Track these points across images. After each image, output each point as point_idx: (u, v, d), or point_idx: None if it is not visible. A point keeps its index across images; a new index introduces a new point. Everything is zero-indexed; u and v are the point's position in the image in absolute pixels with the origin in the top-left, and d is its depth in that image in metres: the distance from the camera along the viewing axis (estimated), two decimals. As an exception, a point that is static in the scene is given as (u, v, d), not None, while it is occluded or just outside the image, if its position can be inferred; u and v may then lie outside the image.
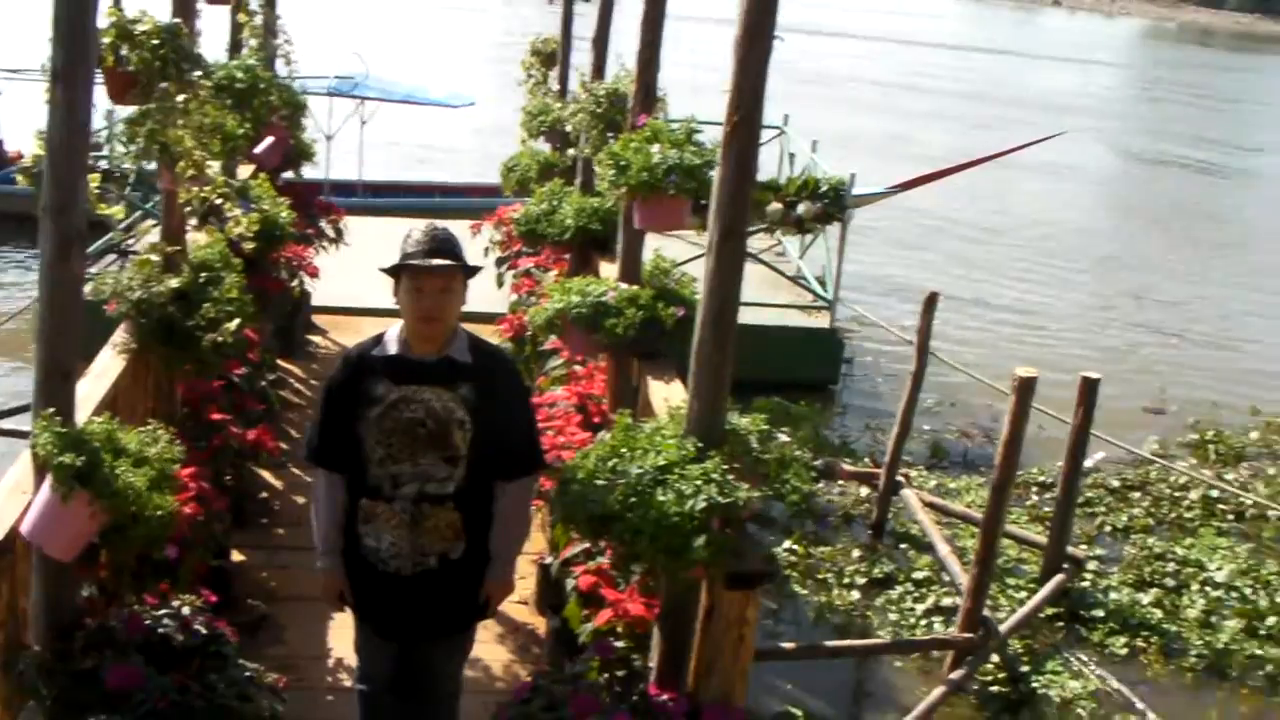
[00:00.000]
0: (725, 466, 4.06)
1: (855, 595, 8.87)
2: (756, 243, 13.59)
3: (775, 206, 10.56)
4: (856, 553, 9.41)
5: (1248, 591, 9.23)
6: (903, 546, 9.61)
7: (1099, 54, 66.87)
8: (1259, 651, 8.53)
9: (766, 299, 12.41)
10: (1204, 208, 27.07)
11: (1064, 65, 57.28)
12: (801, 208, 10.62)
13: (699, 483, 3.95)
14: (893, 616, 8.67)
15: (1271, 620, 8.86)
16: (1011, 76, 49.48)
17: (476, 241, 9.58)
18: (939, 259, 18.85)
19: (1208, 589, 9.26)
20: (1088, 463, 10.90)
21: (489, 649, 6.23)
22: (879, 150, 25.61)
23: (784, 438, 4.56)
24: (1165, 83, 55.88)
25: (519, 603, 6.54)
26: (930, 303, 9.51)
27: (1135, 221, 24.78)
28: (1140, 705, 7.85)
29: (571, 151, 9.60)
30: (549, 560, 6.13)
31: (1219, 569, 9.50)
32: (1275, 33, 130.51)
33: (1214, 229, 24.71)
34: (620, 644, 4.70)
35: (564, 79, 10.96)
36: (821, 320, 12.58)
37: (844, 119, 31.06)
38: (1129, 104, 47.95)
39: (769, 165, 14.28)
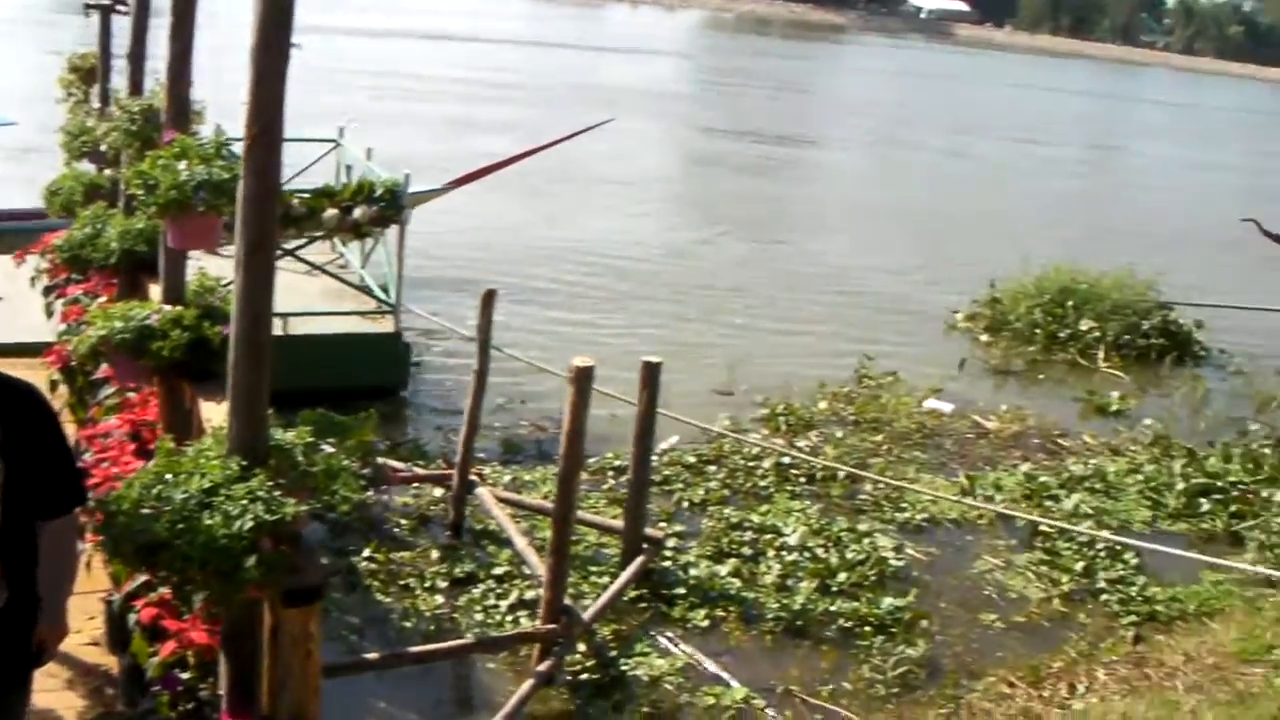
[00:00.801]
0: (271, 483, 4.00)
1: (439, 598, 8.73)
2: (318, 252, 13.50)
3: (331, 213, 10.57)
4: (436, 554, 9.28)
5: (820, 551, 9.75)
6: (483, 544, 9.57)
7: (661, 45, 70.15)
8: (833, 608, 9.01)
9: (331, 308, 12.43)
10: (765, 196, 28.84)
11: (629, 57, 59.77)
12: (358, 212, 10.70)
13: (245, 502, 3.89)
14: (479, 615, 8.59)
15: (842, 576, 9.40)
16: (576, 70, 51.08)
17: (22, 271, 9.17)
18: (508, 255, 19.03)
19: (783, 553, 9.72)
20: (664, 444, 11.26)
21: (61, 696, 5.77)
22: (441, 149, 25.77)
23: (329, 449, 4.44)
24: (723, 70, 59.45)
25: (90, 644, 6.13)
26: (488, 300, 9.54)
27: (696, 212, 26.01)
28: (724, 675, 8.08)
29: (109, 172, 9.19)
30: (115, 597, 5.71)
31: (793, 532, 9.97)
32: (826, 21, 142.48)
33: (774, 218, 26.38)
34: (189, 674, 4.67)
35: (104, 96, 10.31)
36: (386, 325, 12.55)
37: (409, 118, 31.11)
38: (691, 94, 50.64)
39: (327, 178, 14.04)
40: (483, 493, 9.73)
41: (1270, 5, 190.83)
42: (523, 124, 30.42)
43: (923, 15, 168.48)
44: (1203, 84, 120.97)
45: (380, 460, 10.21)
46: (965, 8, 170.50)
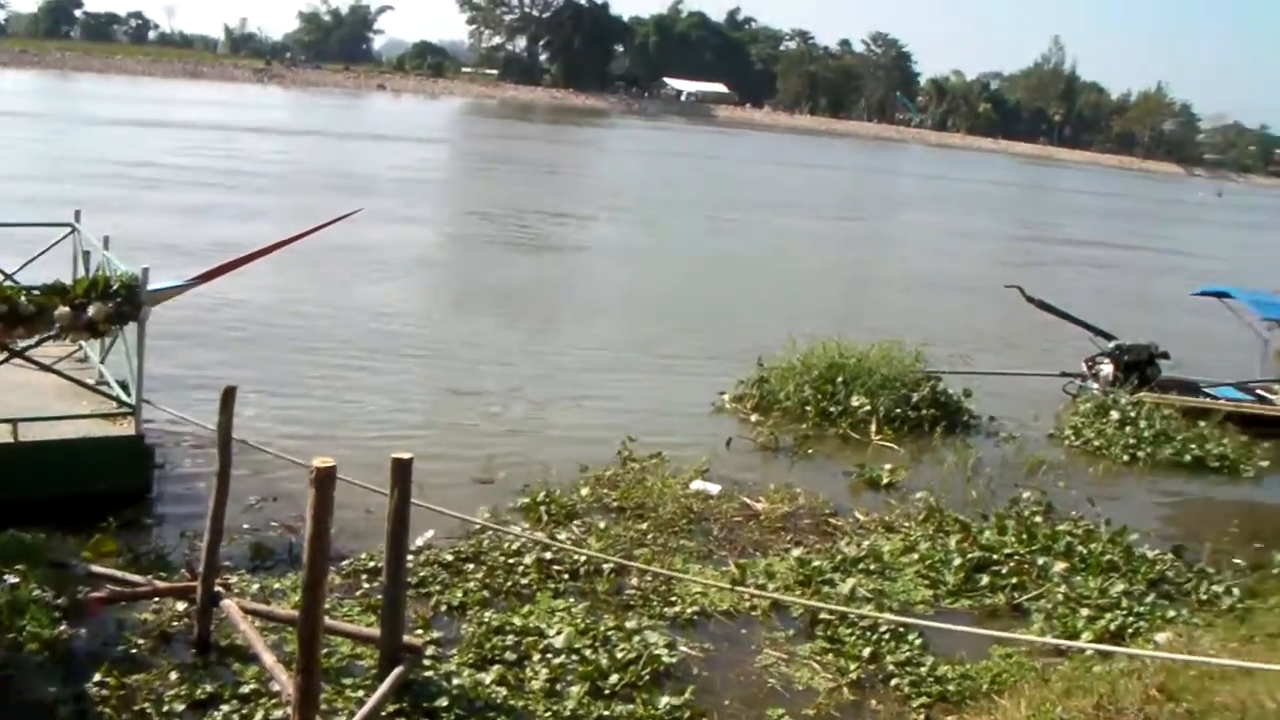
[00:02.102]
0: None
1: (177, 723, 8.10)
2: (54, 350, 13.07)
3: (63, 311, 10.39)
4: (176, 675, 8.60)
5: (588, 652, 9.42)
6: (229, 661, 8.95)
7: (424, 132, 70.47)
8: (606, 711, 8.69)
9: (66, 410, 12.02)
10: (528, 279, 28.83)
11: (392, 144, 59.79)
12: (92, 309, 10.55)
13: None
14: (219, 739, 8.02)
15: (614, 678, 9.09)
16: (335, 158, 50.98)
17: None
18: (267, 342, 18.69)
19: (549, 656, 9.35)
20: (420, 540, 10.83)
21: None
22: (187, 236, 25.10)
23: (13, 579, 3.90)
24: (487, 155, 59.91)
25: None
26: (228, 397, 9.10)
27: (457, 297, 25.98)
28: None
29: None
30: None
31: (558, 633, 9.63)
32: (589, 106, 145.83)
33: (537, 301, 26.36)
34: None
35: None
36: (126, 427, 12.06)
37: (154, 206, 30.44)
38: (454, 179, 50.87)
39: (61, 266, 13.73)
40: (228, 605, 9.16)
41: (1014, 84, 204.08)
42: (274, 211, 30.45)
43: (683, 98, 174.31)
44: (956, 158, 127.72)
45: (117, 572, 9.66)
46: (724, 90, 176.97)
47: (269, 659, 8.43)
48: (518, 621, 9.88)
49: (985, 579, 11.73)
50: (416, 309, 23.58)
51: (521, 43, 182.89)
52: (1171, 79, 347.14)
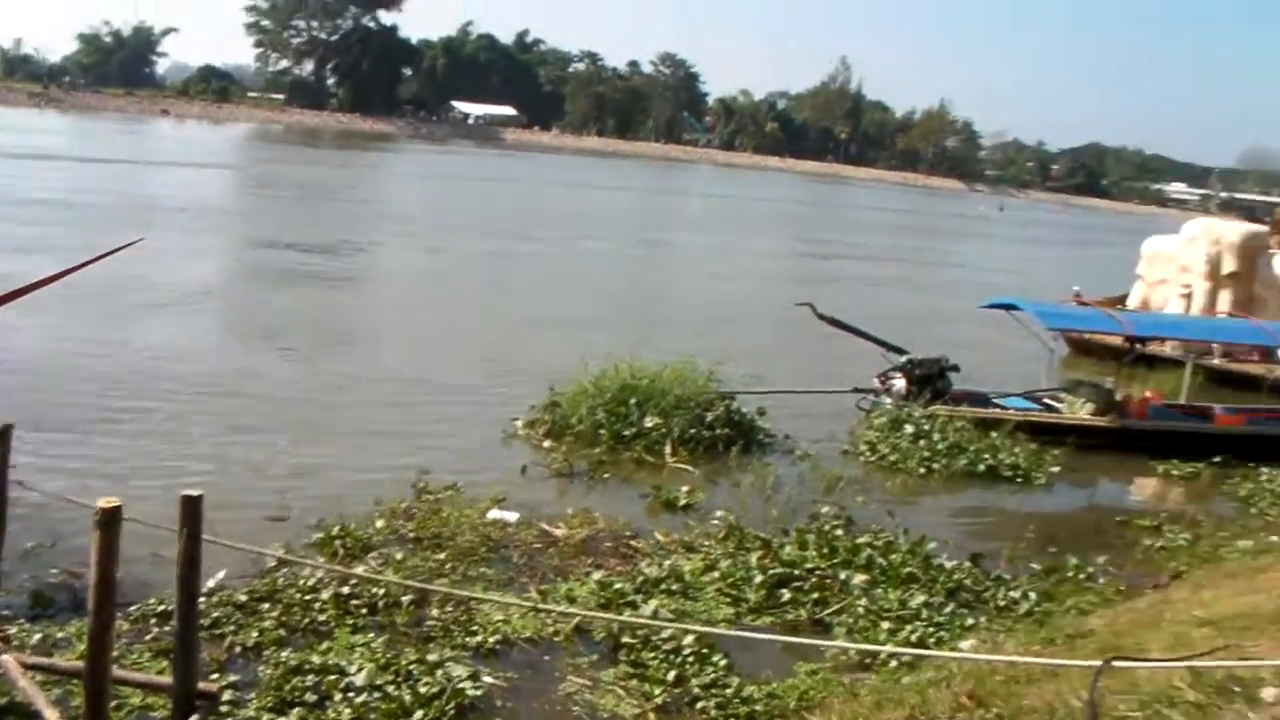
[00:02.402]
0: None
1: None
2: None
3: None
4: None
5: (391, 689, 9.22)
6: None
7: (208, 158, 68.86)
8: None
9: None
10: (315, 308, 28.45)
11: (176, 171, 58.28)
12: None
13: None
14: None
15: (419, 714, 8.91)
16: (118, 187, 49.45)
17: None
18: (34, 389, 17.67)
19: (351, 695, 9.12)
20: (210, 582, 10.47)
21: None
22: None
23: None
24: (270, 182, 58.68)
25: None
26: (3, 435, 8.70)
27: (243, 328, 25.38)
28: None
29: None
30: None
31: (359, 670, 9.41)
32: (375, 130, 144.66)
33: (325, 330, 26.00)
34: None
35: None
36: None
37: None
38: (239, 206, 49.77)
39: None
40: (6, 660, 8.67)
41: (801, 103, 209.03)
42: (50, 243, 29.66)
43: (471, 121, 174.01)
44: (744, 177, 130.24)
45: None
46: (513, 112, 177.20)
47: (52, 716, 8.03)
48: (316, 660, 9.62)
49: (787, 594, 11.91)
50: (200, 345, 22.80)
51: (309, 66, 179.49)
52: (954, 97, 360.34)
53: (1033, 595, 12.49)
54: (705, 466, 16.82)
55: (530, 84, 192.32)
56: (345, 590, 10.96)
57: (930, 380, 20.81)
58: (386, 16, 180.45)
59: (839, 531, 13.86)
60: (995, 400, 21.25)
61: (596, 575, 12.02)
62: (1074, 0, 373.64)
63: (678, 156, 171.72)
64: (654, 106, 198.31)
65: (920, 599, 11.92)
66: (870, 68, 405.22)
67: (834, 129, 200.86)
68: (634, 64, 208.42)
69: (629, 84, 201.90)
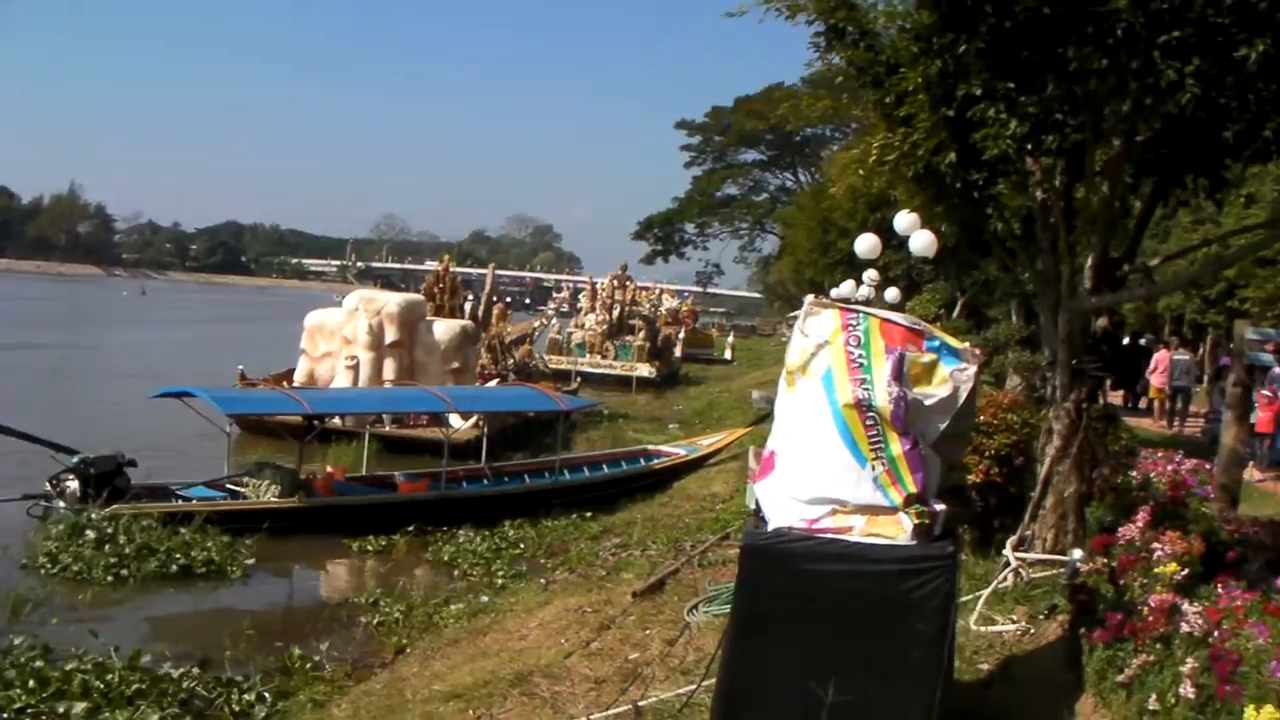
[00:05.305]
0: None
1: None
2: None
3: None
4: None
5: None
6: None
7: None
8: None
9: None
10: None
11: None
12: None
13: None
14: None
15: None
16: None
17: None
18: None
19: None
20: None
21: None
22: None
23: None
24: None
25: None
26: None
27: None
28: None
29: None
30: None
31: None
32: None
33: None
34: None
35: None
36: None
37: None
38: None
39: None
40: None
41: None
42: None
43: None
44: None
45: None
46: None
47: None
48: None
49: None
50: None
51: None
52: (86, 180, 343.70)
53: (267, 696, 12.20)
54: None
55: None
56: None
57: (108, 478, 19.65)
58: None
59: (39, 662, 12.54)
60: (179, 492, 20.61)
61: None
62: (196, 73, 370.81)
63: None
64: None
65: (156, 716, 11.23)
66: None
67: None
68: None
69: None
